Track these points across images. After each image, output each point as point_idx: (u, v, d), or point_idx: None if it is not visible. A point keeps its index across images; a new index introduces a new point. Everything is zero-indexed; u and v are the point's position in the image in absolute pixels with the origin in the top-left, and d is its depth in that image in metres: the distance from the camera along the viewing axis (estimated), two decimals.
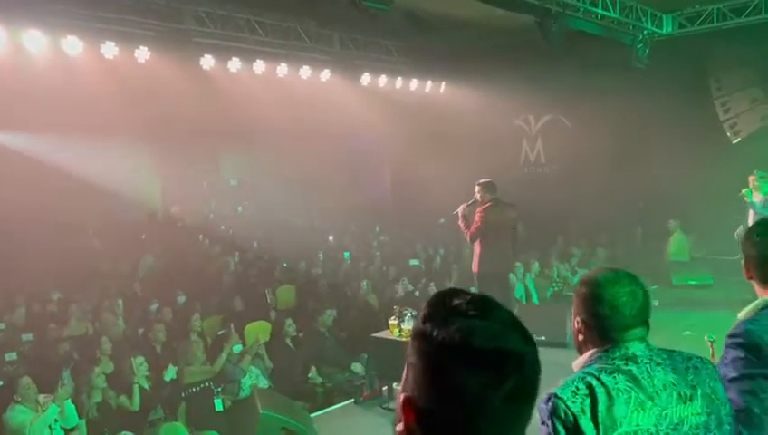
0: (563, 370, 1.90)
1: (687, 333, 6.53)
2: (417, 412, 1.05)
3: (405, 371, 1.09)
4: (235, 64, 10.93)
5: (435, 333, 1.04)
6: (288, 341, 7.54)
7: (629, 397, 1.76)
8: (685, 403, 1.80)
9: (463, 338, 1.02)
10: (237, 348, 6.87)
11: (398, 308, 6.54)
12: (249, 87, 11.49)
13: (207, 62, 10.56)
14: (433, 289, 9.26)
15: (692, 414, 1.80)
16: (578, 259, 11.14)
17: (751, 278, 2.31)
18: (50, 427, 5.30)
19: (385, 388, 6.45)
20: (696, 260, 11.17)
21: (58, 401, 5.33)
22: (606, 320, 1.86)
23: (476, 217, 7.46)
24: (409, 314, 6.43)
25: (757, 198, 8.97)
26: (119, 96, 10.07)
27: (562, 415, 1.76)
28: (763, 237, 2.27)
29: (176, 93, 10.61)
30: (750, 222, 9.05)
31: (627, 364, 1.82)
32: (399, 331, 6.29)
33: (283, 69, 11.65)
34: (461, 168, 14.16)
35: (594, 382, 1.78)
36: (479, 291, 7.77)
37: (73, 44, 8.92)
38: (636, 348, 1.85)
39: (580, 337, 1.94)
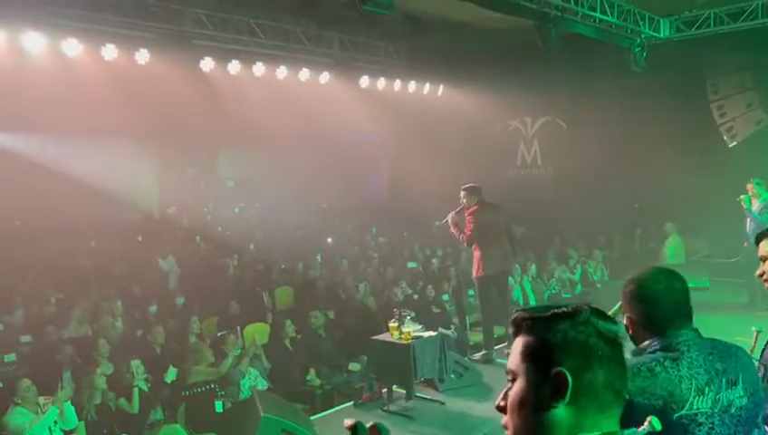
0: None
1: None
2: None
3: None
4: (234, 67, 10.95)
5: None
6: (287, 342, 7.55)
7: (691, 384, 1.90)
8: (731, 388, 1.95)
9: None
10: (236, 351, 6.88)
11: (398, 311, 6.55)
12: (248, 89, 11.52)
13: (207, 64, 10.59)
14: (431, 292, 9.28)
15: (737, 398, 1.96)
16: (575, 261, 11.18)
17: None
18: (49, 429, 5.30)
19: (384, 390, 6.46)
20: (692, 263, 11.22)
21: (58, 403, 5.33)
22: (645, 315, 2.01)
23: (467, 221, 7.48)
24: (409, 317, 6.45)
25: (755, 205, 8.97)
26: (118, 98, 10.09)
27: None
28: None
29: (175, 95, 10.63)
30: (748, 229, 9.08)
31: (689, 350, 1.95)
32: (399, 333, 6.30)
33: (282, 71, 11.69)
34: (458, 169, 14.20)
35: (658, 368, 1.91)
36: (478, 295, 7.67)
37: (73, 47, 8.93)
38: (690, 336, 1.99)
39: (630, 332, 2.08)
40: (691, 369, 1.91)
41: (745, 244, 9.21)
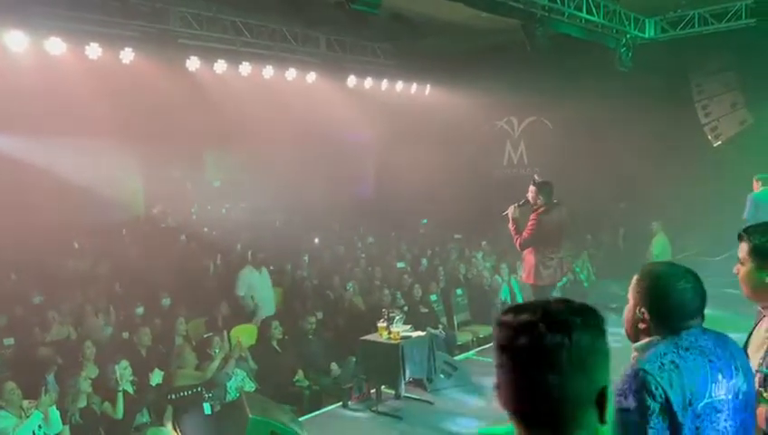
0: None
1: None
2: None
3: None
4: (220, 66, 10.88)
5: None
6: (274, 343, 7.50)
7: (706, 371, 1.91)
8: (738, 375, 1.98)
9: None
10: (221, 353, 6.82)
11: (386, 311, 6.54)
12: (235, 89, 11.45)
13: (193, 63, 10.52)
14: (418, 291, 9.26)
15: (741, 383, 1.99)
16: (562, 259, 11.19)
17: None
18: (33, 433, 5.23)
19: (373, 390, 6.45)
20: (678, 261, 11.30)
21: (42, 407, 5.25)
22: (672, 312, 1.99)
23: (530, 223, 6.63)
24: (397, 317, 6.44)
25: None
26: (103, 97, 9.98)
27: (653, 389, 1.84)
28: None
29: (161, 95, 10.54)
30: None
31: (697, 340, 1.96)
32: (388, 334, 6.29)
33: (269, 71, 11.63)
34: (445, 169, 14.25)
35: (677, 358, 1.90)
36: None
37: (57, 46, 8.81)
38: (696, 333, 1.99)
39: (642, 326, 2.04)
40: (704, 357, 1.92)
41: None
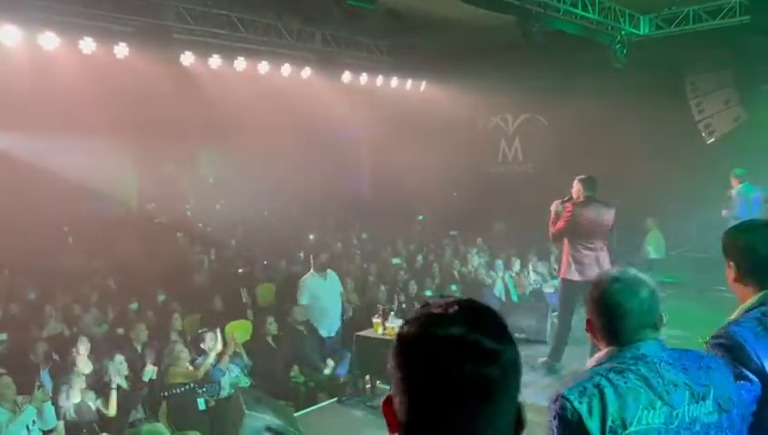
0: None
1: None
2: (395, 412, 1.09)
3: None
4: (215, 61, 10.85)
5: (403, 330, 1.11)
6: (269, 339, 7.50)
7: (638, 396, 1.77)
8: (697, 402, 1.82)
9: (422, 328, 1.08)
10: (215, 350, 6.80)
11: (381, 306, 6.55)
12: (229, 84, 11.42)
13: (187, 58, 10.48)
14: (413, 287, 9.27)
15: (705, 413, 1.82)
16: (556, 256, 11.24)
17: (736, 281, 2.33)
18: (27, 428, 5.21)
19: (368, 386, 6.46)
20: (672, 257, 11.36)
21: (35, 403, 5.24)
22: (613, 323, 1.91)
23: (564, 213, 6.47)
24: (393, 313, 6.45)
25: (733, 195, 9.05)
26: (97, 92, 9.93)
27: (569, 416, 1.76)
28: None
29: (155, 90, 10.50)
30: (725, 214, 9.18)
31: (636, 364, 1.83)
32: (383, 329, 6.30)
33: (264, 66, 11.61)
34: (440, 166, 14.25)
35: (603, 382, 1.79)
36: (560, 300, 6.84)
37: (50, 40, 8.76)
38: (647, 348, 1.87)
39: (592, 337, 2.01)
40: (639, 380, 1.79)
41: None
